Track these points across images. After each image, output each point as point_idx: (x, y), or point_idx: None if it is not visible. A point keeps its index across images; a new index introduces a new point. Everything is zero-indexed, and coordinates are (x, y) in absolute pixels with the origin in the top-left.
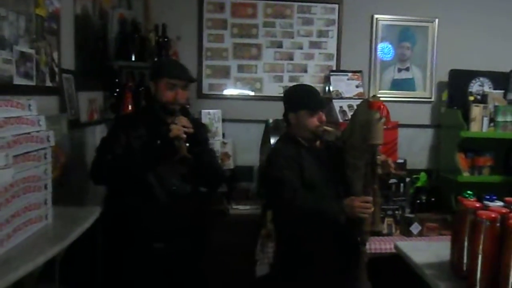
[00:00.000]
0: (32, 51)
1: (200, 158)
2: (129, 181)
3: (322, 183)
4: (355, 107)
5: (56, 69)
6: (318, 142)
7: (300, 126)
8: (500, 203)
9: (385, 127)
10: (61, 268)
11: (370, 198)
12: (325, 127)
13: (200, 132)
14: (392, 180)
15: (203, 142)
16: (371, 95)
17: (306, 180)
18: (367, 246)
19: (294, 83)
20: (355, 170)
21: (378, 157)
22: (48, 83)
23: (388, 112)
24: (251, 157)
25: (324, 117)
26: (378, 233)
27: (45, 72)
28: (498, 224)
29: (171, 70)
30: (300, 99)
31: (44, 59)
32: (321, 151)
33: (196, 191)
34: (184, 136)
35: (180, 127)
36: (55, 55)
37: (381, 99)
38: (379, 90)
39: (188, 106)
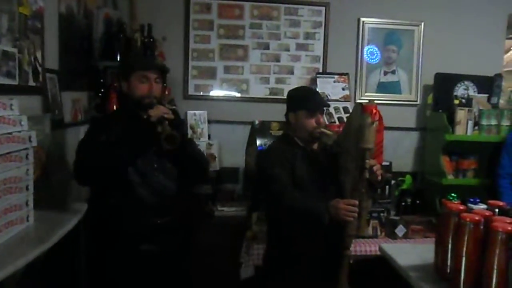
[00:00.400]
0: (14, 50)
1: (183, 147)
2: (113, 176)
3: (312, 184)
4: (341, 109)
5: (40, 69)
6: (316, 145)
7: (298, 126)
8: (483, 206)
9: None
10: (44, 269)
11: (355, 202)
12: (323, 130)
13: (179, 123)
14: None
15: (184, 131)
16: (357, 97)
17: (296, 180)
18: (352, 249)
19: (280, 85)
20: (347, 174)
21: (367, 161)
22: (31, 83)
23: (380, 117)
24: (236, 158)
25: (322, 120)
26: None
27: (28, 71)
28: (481, 227)
29: (140, 62)
30: (300, 99)
31: (27, 58)
32: (317, 154)
33: (182, 190)
34: (166, 118)
35: (159, 110)
36: (38, 54)
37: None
38: (365, 93)
39: (174, 107)
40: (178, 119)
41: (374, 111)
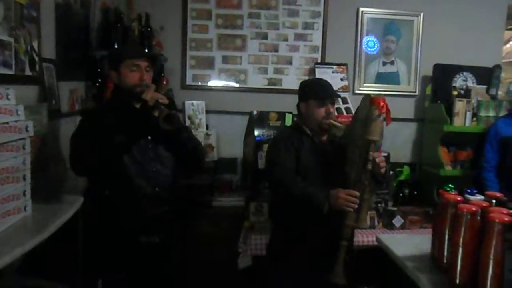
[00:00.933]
0: (11, 39)
1: (178, 132)
2: (109, 166)
3: (316, 174)
4: (339, 100)
5: (36, 58)
6: (325, 137)
7: (308, 115)
8: (480, 197)
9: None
10: (41, 259)
11: (356, 193)
12: (333, 121)
13: (174, 108)
14: None
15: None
16: (356, 88)
17: (300, 168)
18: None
19: (279, 75)
20: (352, 165)
21: (371, 153)
22: (28, 72)
23: (388, 110)
24: (234, 149)
25: (332, 110)
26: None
27: (25, 61)
28: (478, 218)
29: (130, 50)
30: (311, 89)
31: (23, 48)
32: (324, 145)
33: (178, 179)
34: (160, 103)
35: (153, 93)
36: (35, 43)
37: (366, 92)
38: (364, 83)
39: (172, 97)
40: (174, 106)
41: (382, 104)
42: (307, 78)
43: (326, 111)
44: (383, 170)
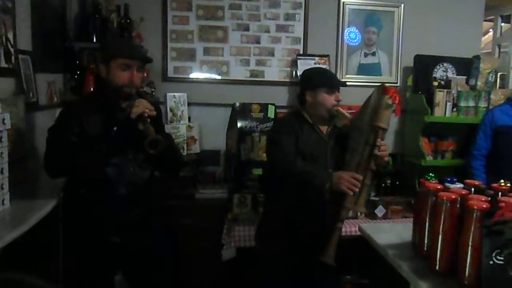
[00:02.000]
0: None
1: (161, 156)
2: (86, 173)
3: (313, 158)
4: None
5: (12, 50)
6: (326, 127)
7: (317, 104)
8: (460, 185)
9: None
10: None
11: (359, 176)
12: (340, 109)
13: (159, 116)
14: None
15: (162, 127)
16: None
17: (299, 151)
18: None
19: (261, 67)
20: (354, 153)
21: (379, 139)
22: (3, 64)
23: (400, 102)
24: (217, 141)
25: (340, 97)
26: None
27: (0, 52)
28: (458, 205)
29: (125, 49)
30: (320, 77)
31: None
32: (324, 134)
33: (154, 177)
34: (147, 117)
35: (142, 107)
36: (10, 34)
37: (348, 83)
38: (346, 74)
39: (153, 90)
40: (159, 113)
41: (395, 94)
42: (289, 69)
43: (336, 98)
44: (386, 159)
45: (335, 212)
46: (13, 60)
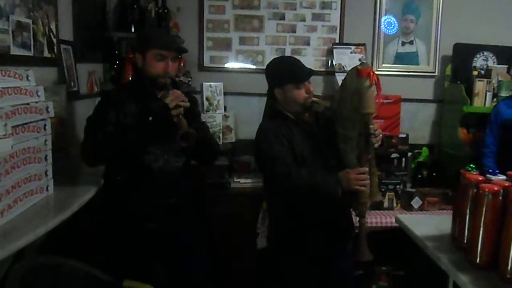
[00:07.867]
0: (29, 21)
1: (198, 134)
2: (122, 161)
3: (313, 157)
4: None
5: (54, 40)
6: (306, 115)
7: (287, 100)
8: (502, 177)
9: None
10: (62, 241)
11: (366, 169)
12: (315, 99)
13: (193, 107)
14: (394, 155)
15: (198, 116)
16: (374, 69)
17: (297, 156)
18: (368, 220)
19: (296, 56)
20: (347, 141)
21: (371, 126)
22: (46, 54)
23: (378, 80)
24: (252, 130)
25: (311, 88)
26: (378, 204)
27: (43, 42)
28: (500, 198)
29: (160, 40)
30: (285, 72)
31: (41, 29)
32: (311, 124)
33: (190, 165)
34: (182, 110)
35: (176, 100)
36: (52, 25)
37: (385, 73)
38: (383, 64)
39: (190, 79)
40: (190, 97)
41: (372, 74)
42: (324, 58)
43: (307, 90)
44: (379, 138)
45: (344, 198)
46: (55, 50)
